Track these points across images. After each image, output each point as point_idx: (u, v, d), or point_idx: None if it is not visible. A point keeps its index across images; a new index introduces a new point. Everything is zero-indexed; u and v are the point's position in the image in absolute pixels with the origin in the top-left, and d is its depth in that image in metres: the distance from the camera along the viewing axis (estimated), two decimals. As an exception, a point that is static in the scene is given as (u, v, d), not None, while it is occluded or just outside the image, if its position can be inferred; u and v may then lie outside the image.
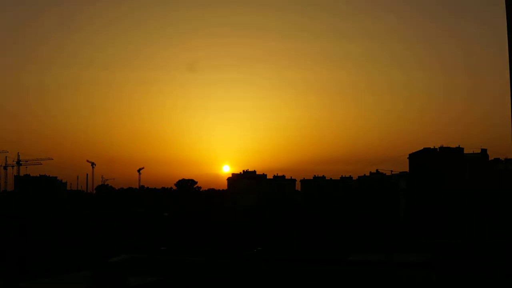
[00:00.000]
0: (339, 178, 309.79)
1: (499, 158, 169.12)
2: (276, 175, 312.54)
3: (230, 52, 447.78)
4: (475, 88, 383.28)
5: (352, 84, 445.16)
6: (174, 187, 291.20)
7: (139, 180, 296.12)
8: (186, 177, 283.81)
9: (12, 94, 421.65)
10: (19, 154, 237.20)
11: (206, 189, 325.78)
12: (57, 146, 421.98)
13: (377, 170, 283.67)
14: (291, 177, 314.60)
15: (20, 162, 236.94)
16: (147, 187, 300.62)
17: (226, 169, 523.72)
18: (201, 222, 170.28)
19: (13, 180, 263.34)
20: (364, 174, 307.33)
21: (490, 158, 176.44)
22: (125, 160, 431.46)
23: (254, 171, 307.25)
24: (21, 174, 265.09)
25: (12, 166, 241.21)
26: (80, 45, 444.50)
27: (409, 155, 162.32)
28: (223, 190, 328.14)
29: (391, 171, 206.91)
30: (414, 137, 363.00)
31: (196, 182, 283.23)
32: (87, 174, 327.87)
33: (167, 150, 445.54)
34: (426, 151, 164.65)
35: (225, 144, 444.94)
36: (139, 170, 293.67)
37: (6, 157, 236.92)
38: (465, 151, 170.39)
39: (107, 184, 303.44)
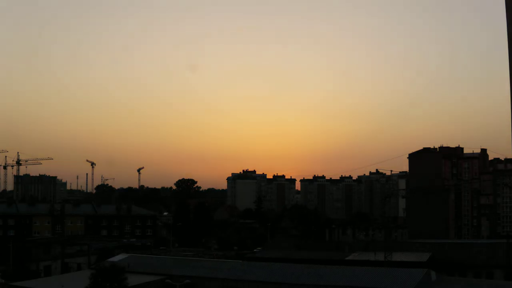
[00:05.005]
0: (339, 178, 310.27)
1: (499, 158, 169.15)
2: (276, 174, 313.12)
3: (230, 53, 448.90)
4: (475, 88, 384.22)
5: (352, 84, 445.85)
6: (174, 187, 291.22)
7: (139, 180, 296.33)
8: (186, 177, 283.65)
9: (12, 94, 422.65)
10: (19, 154, 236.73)
11: (206, 188, 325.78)
12: (57, 146, 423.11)
13: (377, 170, 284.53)
14: (291, 176, 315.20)
15: (20, 162, 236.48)
16: (147, 187, 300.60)
17: (227, 169, 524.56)
18: (201, 222, 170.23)
19: (13, 179, 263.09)
20: (364, 174, 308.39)
21: (490, 158, 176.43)
22: (125, 160, 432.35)
23: (254, 171, 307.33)
24: (21, 174, 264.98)
25: (12, 166, 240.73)
26: (80, 45, 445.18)
27: (409, 155, 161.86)
28: (223, 190, 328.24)
29: (391, 171, 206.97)
30: (414, 137, 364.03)
31: (196, 182, 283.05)
32: (86, 174, 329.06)
33: (167, 150, 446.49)
34: (426, 151, 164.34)
35: (225, 144, 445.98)
36: (139, 170, 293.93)
37: (6, 156, 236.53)
38: (465, 151, 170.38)
39: (107, 184, 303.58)
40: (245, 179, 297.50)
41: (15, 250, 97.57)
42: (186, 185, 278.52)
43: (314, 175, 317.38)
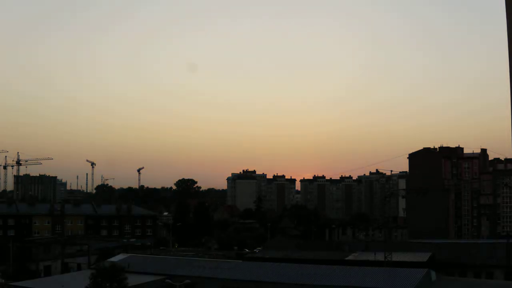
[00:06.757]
0: (339, 178, 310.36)
1: (499, 158, 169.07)
2: (276, 174, 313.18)
3: (230, 51, 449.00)
4: (476, 87, 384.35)
5: (352, 84, 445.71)
6: (174, 187, 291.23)
7: (139, 180, 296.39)
8: (186, 177, 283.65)
9: (12, 94, 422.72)
10: (19, 154, 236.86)
11: (206, 188, 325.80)
12: (57, 146, 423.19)
13: (377, 170, 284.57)
14: (291, 176, 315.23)
15: (20, 162, 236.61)
16: (147, 187, 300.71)
17: (227, 169, 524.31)
18: (201, 222, 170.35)
19: (13, 179, 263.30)
20: (364, 174, 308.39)
21: (490, 158, 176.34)
22: (125, 160, 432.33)
23: (254, 171, 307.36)
24: (21, 174, 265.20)
25: (12, 166, 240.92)
26: (81, 45, 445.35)
27: (409, 155, 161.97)
28: (223, 190, 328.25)
29: (391, 171, 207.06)
30: (414, 137, 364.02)
31: (196, 182, 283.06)
32: (86, 174, 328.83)
33: (167, 150, 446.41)
34: (426, 151, 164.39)
35: (225, 144, 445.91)
36: (139, 170, 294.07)
37: (6, 156, 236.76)
38: (465, 151, 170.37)
39: (107, 184, 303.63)
40: (245, 179, 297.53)
41: (15, 250, 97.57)
42: (186, 185, 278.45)
43: (314, 175, 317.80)
